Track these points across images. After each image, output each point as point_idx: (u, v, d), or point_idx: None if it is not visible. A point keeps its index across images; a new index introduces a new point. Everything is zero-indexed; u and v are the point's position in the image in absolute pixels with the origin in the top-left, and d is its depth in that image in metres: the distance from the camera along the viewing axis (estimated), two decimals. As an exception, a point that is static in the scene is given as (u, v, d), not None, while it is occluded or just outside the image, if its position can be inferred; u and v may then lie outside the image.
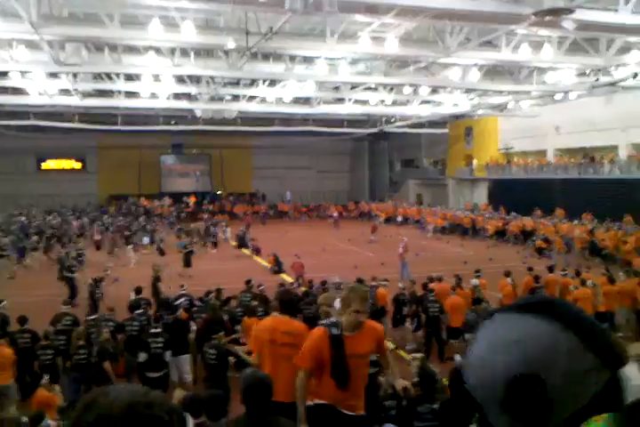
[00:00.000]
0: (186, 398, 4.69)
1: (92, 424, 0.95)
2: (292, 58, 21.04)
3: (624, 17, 13.59)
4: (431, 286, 12.26)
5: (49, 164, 48.23)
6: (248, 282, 12.97)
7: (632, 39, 17.81)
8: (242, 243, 26.48)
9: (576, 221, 27.44)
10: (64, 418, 5.68)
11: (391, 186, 51.92)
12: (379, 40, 16.77)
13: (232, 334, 9.85)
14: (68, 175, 47.57)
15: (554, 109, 30.68)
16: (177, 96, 28.49)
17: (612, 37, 17.98)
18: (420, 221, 36.81)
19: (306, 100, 30.80)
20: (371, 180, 55.62)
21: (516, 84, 23.43)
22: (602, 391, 0.94)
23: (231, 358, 8.10)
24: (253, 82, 26.10)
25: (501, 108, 31.59)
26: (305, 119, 38.95)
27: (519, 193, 33.64)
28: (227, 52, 18.73)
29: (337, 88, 27.24)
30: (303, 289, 13.78)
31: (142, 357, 8.56)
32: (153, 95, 27.22)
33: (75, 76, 22.78)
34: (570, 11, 12.04)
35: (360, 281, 12.10)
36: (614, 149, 29.30)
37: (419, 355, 7.31)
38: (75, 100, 26.80)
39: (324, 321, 4.34)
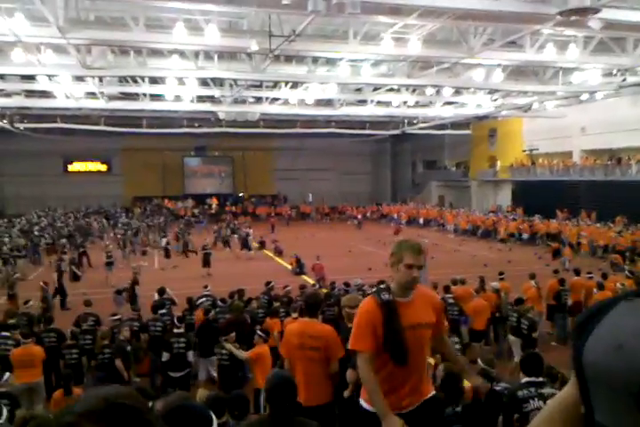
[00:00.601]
0: (209, 397, 4.71)
1: (72, 424, 0.97)
2: (315, 60, 21.10)
3: (652, 16, 13.35)
4: (453, 288, 12.15)
5: (75, 166, 49.15)
6: (268, 284, 13.00)
7: (660, 38, 17.51)
8: (244, 244, 26.61)
9: (598, 224, 27.15)
10: None
11: (413, 188, 51.66)
12: (401, 41, 16.73)
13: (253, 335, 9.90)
14: (94, 177, 48.36)
15: (580, 110, 30.25)
16: (200, 99, 28.75)
17: (640, 37, 17.70)
18: (443, 222, 36.61)
19: (328, 102, 30.85)
20: (393, 181, 55.46)
21: (541, 85, 23.15)
22: None
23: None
24: (276, 84, 26.21)
25: (526, 108, 31.24)
26: (327, 121, 39.01)
27: (544, 195, 33.19)
28: (250, 55, 18.84)
29: (359, 90, 27.22)
30: (324, 291, 13.77)
31: (165, 356, 8.64)
32: (177, 98, 27.52)
33: (100, 79, 23.14)
34: (596, 10, 11.85)
35: (382, 283, 12.03)
36: (642, 150, 28.77)
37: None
38: (100, 104, 27.24)
39: (370, 291, 3.84)
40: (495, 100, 29.42)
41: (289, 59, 21.31)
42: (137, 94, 27.30)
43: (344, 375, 4.68)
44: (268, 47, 15.47)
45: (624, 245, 23.07)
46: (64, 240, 26.50)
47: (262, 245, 28.29)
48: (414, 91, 27.43)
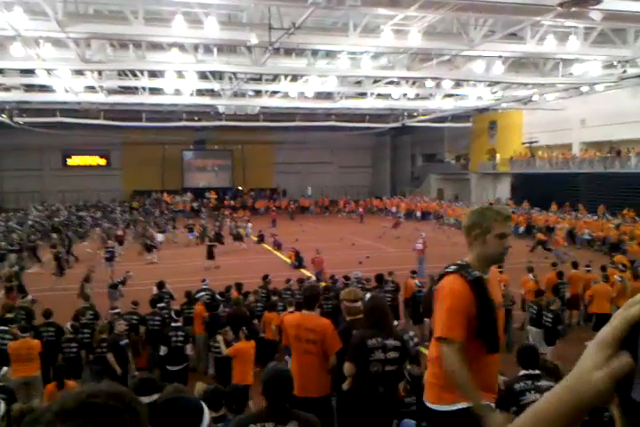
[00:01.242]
0: (207, 391, 4.73)
1: (48, 423, 0.97)
2: (315, 53, 21.03)
3: (653, 7, 13.27)
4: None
5: (74, 160, 49.06)
6: (265, 277, 13.02)
7: (661, 30, 17.42)
8: (236, 237, 26.79)
9: (595, 217, 27.29)
10: None
11: (413, 181, 51.62)
12: (401, 33, 16.65)
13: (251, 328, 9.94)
14: (94, 171, 48.32)
15: (580, 102, 30.14)
16: (200, 92, 28.66)
17: (641, 28, 17.61)
18: (442, 215, 36.70)
19: (328, 95, 30.77)
20: (392, 175, 55.40)
21: (542, 77, 23.05)
22: None
23: None
24: (275, 77, 26.12)
25: (526, 101, 31.13)
26: (327, 114, 38.90)
27: (543, 188, 33.20)
28: (249, 48, 18.77)
29: (359, 82, 27.13)
30: (323, 284, 13.80)
31: (163, 350, 8.67)
32: (176, 92, 27.43)
33: (100, 73, 23.09)
34: (597, 1, 11.80)
35: (380, 277, 12.04)
36: (642, 142, 28.74)
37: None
38: (100, 97, 27.20)
39: (449, 268, 3.07)
40: (495, 92, 29.33)
41: (288, 52, 21.22)
42: (136, 88, 27.23)
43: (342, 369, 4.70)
44: (267, 40, 15.43)
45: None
46: (54, 235, 26.41)
47: (261, 238, 28.31)
48: (414, 83, 27.34)
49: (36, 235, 26.46)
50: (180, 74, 22.92)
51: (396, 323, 8.57)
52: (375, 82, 26.68)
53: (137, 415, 1.03)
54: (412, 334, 8.28)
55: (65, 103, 30.49)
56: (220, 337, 8.13)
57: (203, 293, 11.59)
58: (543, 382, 4.64)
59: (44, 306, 10.44)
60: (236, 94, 28.37)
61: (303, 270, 19.87)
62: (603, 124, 29.88)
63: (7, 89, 26.53)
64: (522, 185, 37.05)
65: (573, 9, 12.37)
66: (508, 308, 11.72)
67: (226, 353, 7.81)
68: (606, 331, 0.88)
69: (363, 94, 29.89)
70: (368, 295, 6.51)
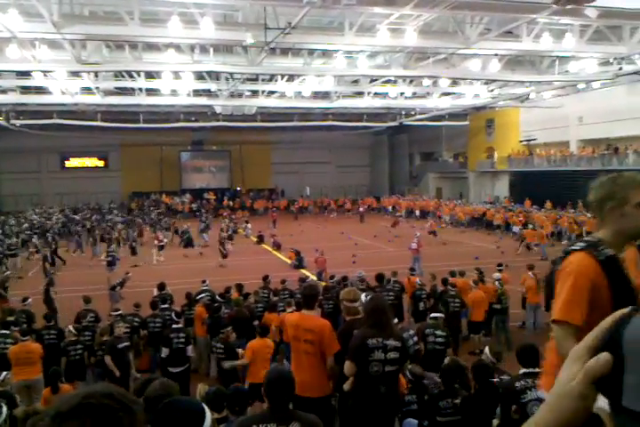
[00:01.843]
0: (208, 392, 4.73)
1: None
2: (311, 52, 21.02)
3: (649, 4, 13.29)
4: (453, 280, 12.18)
5: (72, 162, 49.01)
6: (265, 278, 13.00)
7: (657, 26, 17.43)
8: (230, 237, 27.02)
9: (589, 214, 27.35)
10: None
11: (411, 180, 51.65)
12: (398, 32, 16.64)
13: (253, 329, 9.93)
14: (92, 173, 48.27)
15: (576, 99, 30.18)
16: (197, 93, 28.64)
17: (636, 25, 17.61)
18: (440, 214, 36.77)
19: (325, 95, 30.77)
20: (390, 174, 55.43)
21: (538, 75, 23.06)
22: None
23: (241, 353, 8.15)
24: (272, 77, 26.12)
25: (523, 98, 31.16)
26: (324, 114, 38.89)
27: (541, 185, 33.22)
28: (245, 48, 18.76)
29: (356, 82, 27.14)
30: (323, 284, 13.79)
31: (164, 352, 8.67)
32: (173, 92, 27.43)
33: (96, 74, 23.05)
34: (592, -2, 11.82)
35: (381, 276, 12.05)
36: (639, 139, 28.73)
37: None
38: (96, 99, 27.16)
39: (575, 246, 2.63)
40: (492, 90, 29.35)
41: (285, 51, 21.21)
42: (133, 89, 27.19)
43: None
44: (263, 40, 15.40)
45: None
46: (34, 238, 26.32)
47: (261, 239, 28.30)
48: (411, 82, 27.36)
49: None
50: (176, 74, 22.89)
51: (395, 320, 8.56)
52: (372, 81, 26.68)
53: (133, 414, 1.04)
54: (411, 332, 8.27)
55: (62, 105, 30.42)
56: (236, 362, 8.01)
57: (203, 294, 11.57)
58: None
59: (42, 310, 10.42)
60: (232, 95, 28.36)
61: (303, 271, 19.87)
62: (600, 122, 29.92)
63: (4, 91, 26.49)
64: (520, 183, 37.08)
65: (569, 6, 12.37)
66: (504, 306, 11.76)
67: (246, 361, 7.65)
68: (579, 345, 0.87)
69: (360, 93, 29.89)
70: (363, 296, 6.49)
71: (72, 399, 1.01)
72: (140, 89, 26.89)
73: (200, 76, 24.24)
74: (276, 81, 26.22)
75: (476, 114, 39.65)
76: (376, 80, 26.42)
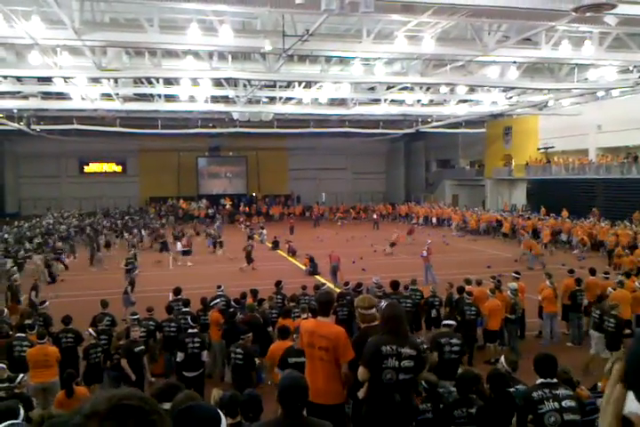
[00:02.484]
0: (223, 397, 4.73)
1: (80, 425, 1.00)
2: (328, 59, 21.10)
3: (670, 11, 13.14)
4: (470, 289, 12.07)
5: (91, 167, 49.61)
6: (278, 284, 12.99)
7: (678, 34, 17.23)
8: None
9: (603, 223, 27.08)
10: None
11: (427, 187, 51.46)
12: (415, 39, 16.66)
13: (267, 335, 9.93)
14: (110, 178, 48.79)
15: (596, 107, 29.93)
16: (215, 99, 28.87)
17: (657, 32, 17.44)
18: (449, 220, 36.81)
19: (341, 102, 30.84)
20: (406, 181, 55.28)
21: (557, 82, 22.91)
22: None
23: (257, 360, 8.15)
24: (289, 84, 26.24)
25: (541, 106, 30.96)
26: (340, 120, 38.97)
27: (559, 194, 32.91)
28: (263, 55, 18.88)
29: (373, 89, 27.17)
30: (338, 290, 13.75)
31: (180, 356, 8.69)
32: (191, 99, 27.67)
33: (116, 80, 23.35)
34: (612, 6, 11.68)
35: (396, 284, 11.98)
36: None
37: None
38: (116, 105, 27.49)
39: None
40: (510, 97, 29.18)
41: (302, 58, 21.32)
42: (152, 95, 27.50)
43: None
44: (281, 47, 15.49)
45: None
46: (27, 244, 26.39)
47: (276, 245, 28.34)
48: (428, 89, 27.31)
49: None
50: (194, 81, 23.11)
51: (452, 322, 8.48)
52: (389, 88, 26.69)
53: (163, 418, 1.09)
54: (455, 341, 8.19)
55: (81, 111, 30.85)
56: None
57: (218, 299, 11.58)
58: (561, 391, 4.59)
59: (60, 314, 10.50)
60: (250, 101, 28.54)
61: (318, 277, 19.85)
62: (619, 130, 29.61)
63: (25, 97, 26.92)
64: (537, 191, 36.77)
65: (588, 14, 12.27)
66: (518, 316, 11.62)
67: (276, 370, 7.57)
68: None
69: (376, 100, 29.91)
70: (383, 302, 6.46)
71: (109, 399, 1.03)
72: (159, 95, 27.19)
73: (218, 82, 24.44)
74: (294, 88, 26.34)
75: (494, 121, 39.45)
76: (393, 87, 26.43)
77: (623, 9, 12.43)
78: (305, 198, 50.67)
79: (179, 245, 26.14)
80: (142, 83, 24.75)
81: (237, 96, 26.95)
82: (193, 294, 12.70)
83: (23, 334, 9.14)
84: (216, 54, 19.65)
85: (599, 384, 6.44)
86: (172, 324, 10.23)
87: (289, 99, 29.21)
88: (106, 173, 49.70)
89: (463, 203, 44.14)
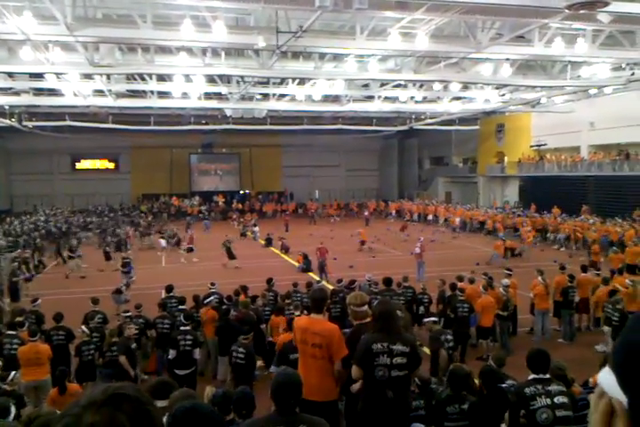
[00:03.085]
0: (215, 395, 4.73)
1: (76, 415, 1.01)
2: (322, 56, 21.03)
3: (662, 9, 13.18)
4: (462, 285, 12.12)
5: (83, 164, 49.30)
6: (269, 281, 12.98)
7: (671, 32, 17.30)
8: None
9: (592, 220, 27.25)
10: None
11: (420, 184, 51.54)
12: (409, 36, 16.64)
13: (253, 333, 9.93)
14: (102, 175, 48.56)
15: (588, 105, 30.02)
16: (208, 96, 28.76)
17: (650, 30, 17.50)
18: (446, 218, 36.91)
19: (335, 99, 30.79)
20: (400, 178, 55.34)
21: (550, 80, 22.97)
22: None
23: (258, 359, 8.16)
24: (283, 81, 26.17)
25: (534, 103, 31.04)
26: (334, 117, 38.91)
27: (552, 191, 33.06)
28: (257, 52, 18.82)
29: (366, 85, 27.14)
30: (331, 287, 13.77)
31: (171, 354, 8.68)
32: (184, 95, 27.54)
33: (108, 77, 23.19)
34: (605, 3, 11.72)
35: (389, 280, 12.01)
36: (651, 145, 28.57)
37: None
38: (108, 101, 27.34)
39: None
40: (503, 95, 29.23)
41: (296, 55, 21.26)
42: (144, 92, 27.35)
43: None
44: (274, 43, 15.44)
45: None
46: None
47: (269, 242, 28.32)
48: (421, 86, 27.31)
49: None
50: (187, 78, 22.99)
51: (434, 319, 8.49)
52: (382, 85, 26.67)
53: (158, 411, 1.10)
54: (449, 337, 8.22)
55: (74, 107, 30.61)
56: None
57: (212, 297, 11.55)
58: (553, 387, 4.61)
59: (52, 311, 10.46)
60: (243, 98, 28.45)
61: (311, 274, 19.86)
62: (611, 127, 29.75)
63: (17, 93, 26.70)
64: (530, 188, 36.91)
65: (581, 11, 12.30)
66: (508, 313, 11.66)
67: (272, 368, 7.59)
68: None
69: (370, 97, 29.90)
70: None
71: (105, 391, 1.04)
72: (152, 92, 27.04)
73: (211, 79, 24.33)
74: (287, 84, 26.27)
75: (487, 118, 39.54)
76: (386, 84, 26.41)
77: (616, 6, 12.47)
78: (298, 195, 50.62)
79: (162, 243, 26.15)
80: (135, 79, 24.61)
81: (230, 93, 26.85)
82: (184, 291, 12.68)
83: (14, 332, 9.10)
84: (209, 51, 19.57)
85: (590, 380, 6.48)
86: (166, 320, 10.22)
87: (282, 95, 29.14)
88: (98, 169, 49.43)
89: (456, 200, 44.23)
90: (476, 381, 5.58)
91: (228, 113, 32.52)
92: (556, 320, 12.88)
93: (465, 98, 30.47)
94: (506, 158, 39.21)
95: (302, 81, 25.34)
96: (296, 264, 22.08)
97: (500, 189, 40.59)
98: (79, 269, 21.78)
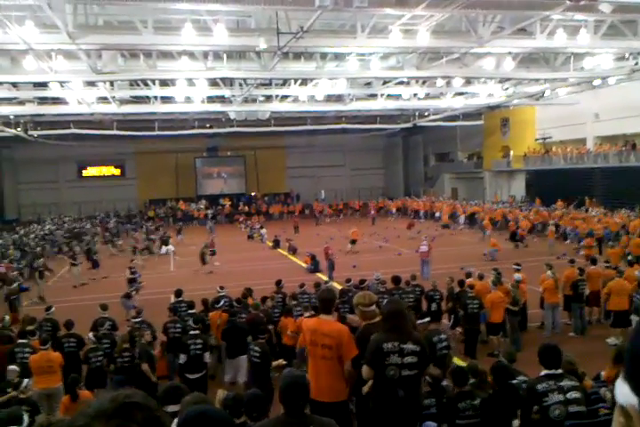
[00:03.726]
0: (227, 398, 4.72)
1: (86, 425, 1.00)
2: (323, 56, 21.03)
3: (664, -3, 13.08)
4: (471, 282, 12.07)
5: (89, 171, 49.54)
6: (278, 283, 12.96)
7: (673, 20, 17.16)
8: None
9: (594, 212, 27.15)
10: None
11: (426, 181, 51.41)
12: (410, 33, 16.58)
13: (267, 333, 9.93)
14: (109, 182, 48.77)
15: (592, 96, 29.84)
16: (211, 99, 28.80)
17: (652, 19, 17.36)
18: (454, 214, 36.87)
19: (338, 98, 30.76)
20: (405, 175, 55.23)
21: (553, 72, 22.83)
22: None
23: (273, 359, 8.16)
24: (285, 82, 26.18)
25: (538, 96, 30.85)
26: (337, 117, 38.89)
27: (558, 184, 32.88)
28: (258, 53, 18.83)
29: (369, 84, 27.09)
30: (340, 287, 13.74)
31: (182, 358, 8.68)
32: (187, 99, 27.60)
33: (111, 83, 23.29)
34: (606, -6, 11.65)
35: (397, 279, 11.98)
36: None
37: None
38: (112, 108, 27.42)
39: None
40: (506, 88, 29.05)
41: (297, 56, 21.24)
42: (148, 97, 27.42)
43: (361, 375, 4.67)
44: (276, 45, 15.43)
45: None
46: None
47: (276, 244, 28.33)
48: (424, 83, 27.23)
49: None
50: (190, 82, 23.06)
51: (428, 319, 8.45)
52: (385, 83, 26.62)
53: (166, 415, 1.11)
54: (443, 336, 8.17)
55: (78, 115, 30.78)
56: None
57: (223, 300, 11.52)
58: (566, 382, 4.57)
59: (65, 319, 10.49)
60: (246, 100, 28.47)
61: (319, 275, 19.84)
62: (616, 118, 29.57)
63: (21, 102, 26.86)
64: (537, 182, 36.73)
65: (582, 2, 12.23)
66: (517, 308, 11.59)
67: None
68: None
69: (373, 95, 29.84)
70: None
71: (113, 400, 1.03)
72: (155, 97, 27.11)
73: (214, 82, 24.38)
74: (290, 85, 26.27)
75: (491, 113, 39.35)
76: (389, 82, 26.35)
77: (617, -4, 12.39)
78: (304, 196, 50.62)
79: (163, 249, 26.22)
80: (138, 85, 24.70)
81: (233, 95, 26.90)
82: (193, 295, 12.68)
83: (25, 341, 9.13)
84: (211, 54, 19.60)
85: (602, 373, 6.42)
86: (177, 325, 10.22)
87: (285, 97, 29.14)
88: (104, 176, 49.64)
89: (462, 196, 44.09)
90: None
91: (232, 116, 32.59)
92: (566, 314, 12.80)
93: (468, 93, 30.37)
94: (511, 152, 39.04)
95: (304, 81, 25.32)
96: (304, 265, 22.07)
97: (507, 183, 40.42)
98: (79, 276, 21.78)
